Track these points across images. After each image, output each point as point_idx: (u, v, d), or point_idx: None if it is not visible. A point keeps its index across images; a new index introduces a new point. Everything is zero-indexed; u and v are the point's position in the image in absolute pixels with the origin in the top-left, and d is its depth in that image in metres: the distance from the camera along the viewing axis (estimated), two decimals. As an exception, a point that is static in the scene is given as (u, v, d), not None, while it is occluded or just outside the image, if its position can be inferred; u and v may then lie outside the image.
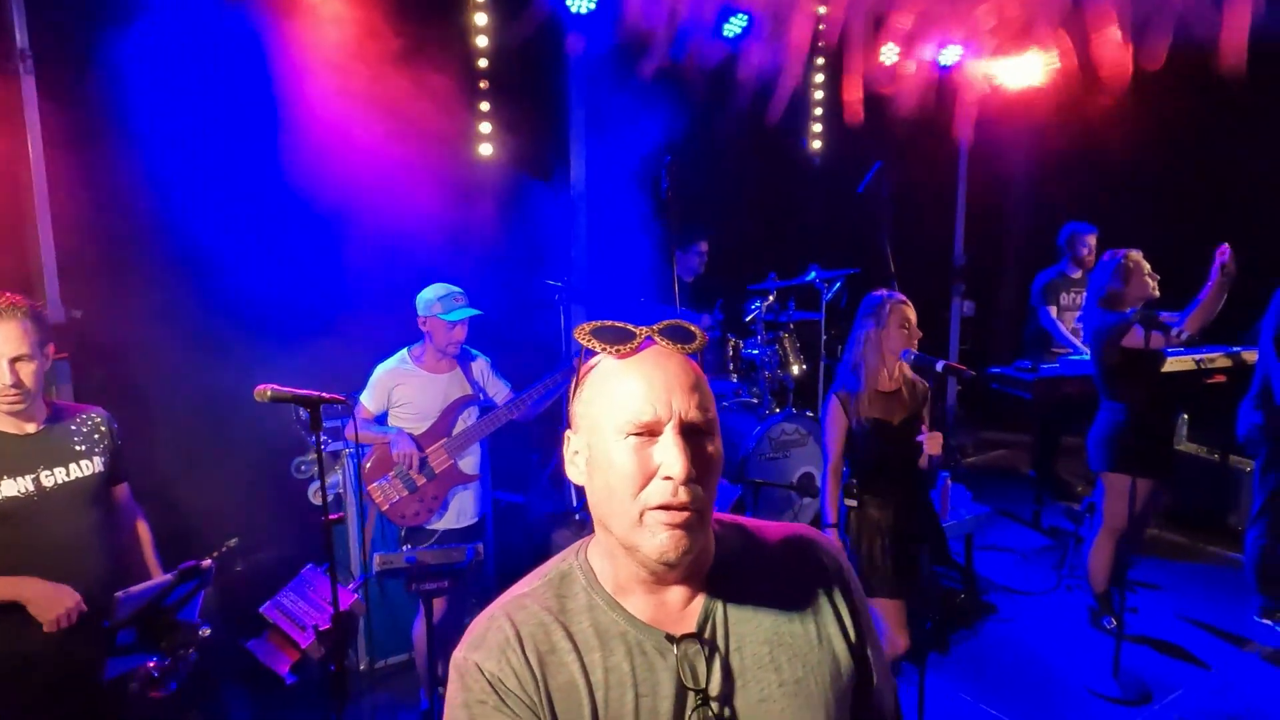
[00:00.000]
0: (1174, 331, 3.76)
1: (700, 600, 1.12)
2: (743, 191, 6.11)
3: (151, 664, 2.51)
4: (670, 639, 1.08)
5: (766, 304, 5.37)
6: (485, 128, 4.98)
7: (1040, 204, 7.30)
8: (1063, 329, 5.79)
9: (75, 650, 2.40)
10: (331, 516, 2.51)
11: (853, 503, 3.27)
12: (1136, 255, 4.05)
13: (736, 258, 5.75)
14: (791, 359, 5.44)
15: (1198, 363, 5.13)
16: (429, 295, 3.50)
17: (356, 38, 4.28)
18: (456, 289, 3.52)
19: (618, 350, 1.08)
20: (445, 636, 3.18)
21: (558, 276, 4.78)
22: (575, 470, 1.13)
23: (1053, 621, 4.50)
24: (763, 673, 1.11)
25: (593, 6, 4.91)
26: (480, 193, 4.91)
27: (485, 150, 4.99)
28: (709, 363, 5.43)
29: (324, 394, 2.54)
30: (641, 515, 1.03)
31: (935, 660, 4.09)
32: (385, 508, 3.52)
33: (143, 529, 2.76)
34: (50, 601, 2.34)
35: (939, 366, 3.25)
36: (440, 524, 3.60)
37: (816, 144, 6.54)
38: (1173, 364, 4.62)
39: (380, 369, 3.57)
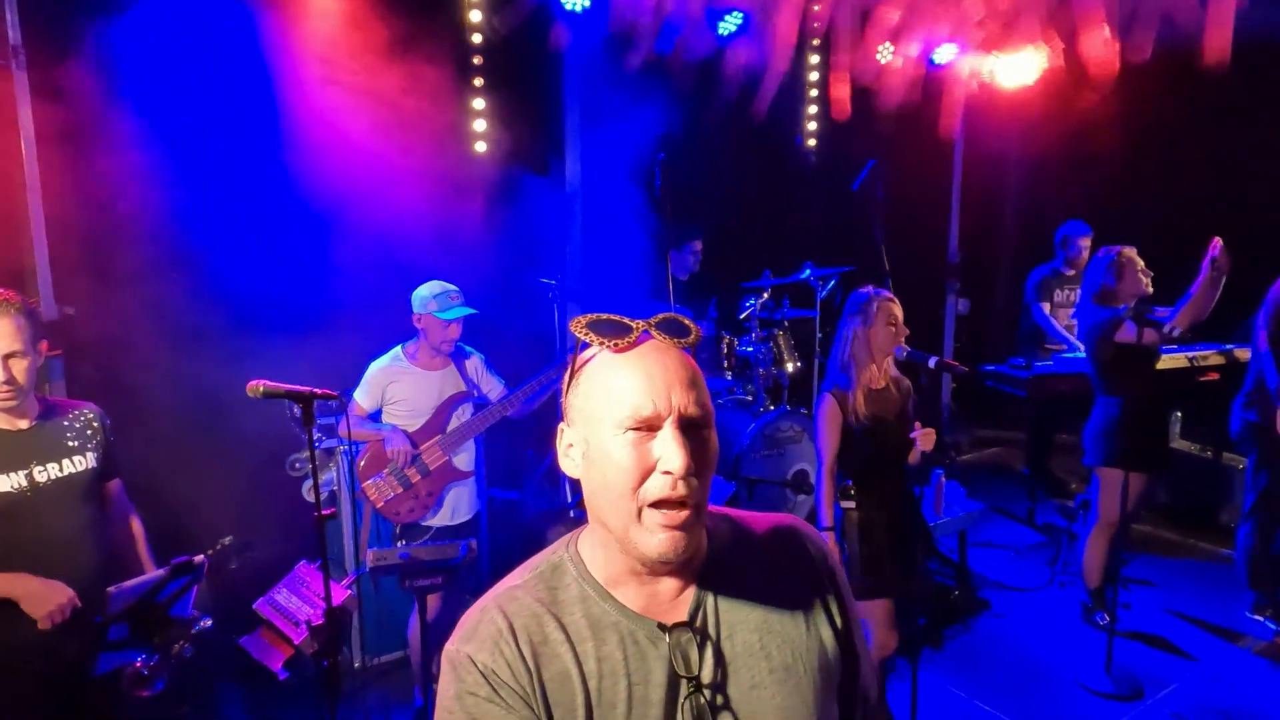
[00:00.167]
0: (1166, 327, 3.77)
1: (691, 590, 1.13)
2: (737, 189, 6.11)
3: (139, 662, 2.51)
4: (662, 628, 1.09)
5: (761, 301, 5.38)
6: (480, 125, 4.98)
7: (1035, 201, 7.33)
8: (1057, 326, 5.80)
9: (66, 645, 2.40)
10: (324, 512, 2.51)
11: (850, 504, 3.26)
12: (1130, 252, 4.07)
13: (731, 255, 5.76)
14: (786, 356, 5.45)
15: (1191, 360, 5.14)
16: (424, 293, 3.50)
17: (349, 34, 4.27)
18: (452, 287, 3.52)
19: (615, 344, 1.08)
20: (440, 634, 3.17)
21: (552, 273, 4.78)
22: (570, 463, 1.14)
23: (1046, 617, 4.52)
24: (753, 660, 1.12)
25: (587, 4, 4.91)
26: (474, 189, 4.91)
27: (480, 147, 4.99)
28: (704, 360, 5.43)
29: (316, 390, 2.54)
30: (640, 512, 1.04)
31: (929, 656, 4.10)
32: (380, 505, 3.52)
33: (135, 525, 2.76)
34: (43, 598, 2.34)
35: (932, 363, 3.25)
36: (435, 521, 3.60)
37: (811, 142, 6.55)
38: (1166, 361, 4.64)
39: (374, 366, 3.57)
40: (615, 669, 1.08)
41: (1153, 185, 6.03)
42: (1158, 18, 4.99)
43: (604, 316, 1.10)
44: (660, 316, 1.12)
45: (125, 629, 2.44)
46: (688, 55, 5.34)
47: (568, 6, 4.89)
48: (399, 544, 3.47)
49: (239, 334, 3.91)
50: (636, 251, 5.22)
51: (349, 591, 2.90)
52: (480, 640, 1.08)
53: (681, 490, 1.03)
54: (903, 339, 3.29)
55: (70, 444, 2.52)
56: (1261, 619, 4.29)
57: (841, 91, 5.67)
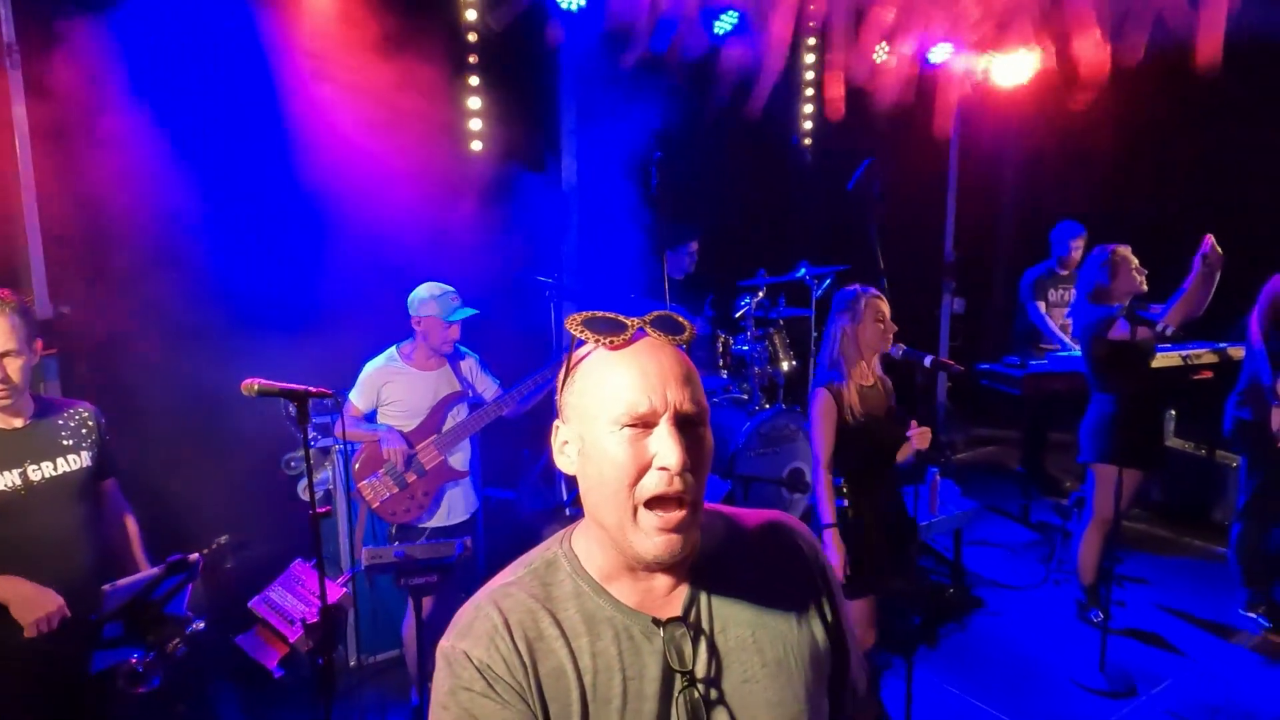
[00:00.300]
0: (1158, 325, 3.78)
1: (685, 585, 1.14)
2: (733, 188, 6.12)
3: (134, 659, 2.51)
4: (657, 623, 1.10)
5: (756, 300, 5.39)
6: (475, 124, 4.98)
7: (1031, 200, 7.34)
8: (1051, 325, 5.82)
9: (61, 644, 2.39)
10: (319, 511, 2.51)
11: (843, 503, 3.27)
12: (1124, 250, 4.08)
13: (727, 254, 5.77)
14: (781, 355, 5.46)
15: (1184, 359, 5.16)
16: (424, 295, 3.49)
17: (345, 33, 4.27)
18: (450, 288, 3.52)
19: (610, 341, 1.09)
20: (435, 633, 3.16)
21: (548, 272, 4.78)
22: (566, 460, 1.14)
23: (1040, 615, 4.53)
24: (746, 654, 1.13)
25: (583, 3, 4.91)
26: (470, 188, 4.91)
27: (476, 146, 5.00)
28: (699, 359, 5.43)
29: (311, 388, 2.54)
30: (636, 510, 1.05)
31: (923, 654, 4.12)
32: (376, 505, 3.52)
33: (130, 524, 2.76)
34: (32, 604, 2.33)
35: (928, 362, 3.26)
36: (431, 521, 3.60)
37: (807, 141, 6.56)
38: (1160, 360, 4.65)
39: (369, 367, 3.57)
40: (610, 664, 1.08)
41: (1148, 184, 6.05)
42: (1150, 19, 5.01)
43: (599, 314, 1.11)
44: (655, 314, 1.13)
45: (120, 627, 2.44)
46: (684, 54, 5.35)
47: (563, 6, 4.89)
48: (394, 543, 3.47)
49: (234, 333, 3.91)
50: (632, 251, 5.22)
51: (344, 590, 2.90)
52: (476, 636, 1.08)
53: (678, 486, 1.03)
54: (891, 335, 3.30)
55: (65, 443, 2.52)
56: (1254, 616, 4.31)
57: (836, 90, 5.69)
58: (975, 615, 4.54)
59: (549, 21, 4.94)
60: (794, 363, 5.50)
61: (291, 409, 2.67)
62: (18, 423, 2.45)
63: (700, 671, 1.11)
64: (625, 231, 5.23)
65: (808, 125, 6.54)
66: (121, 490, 2.76)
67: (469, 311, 3.52)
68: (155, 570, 2.53)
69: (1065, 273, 5.83)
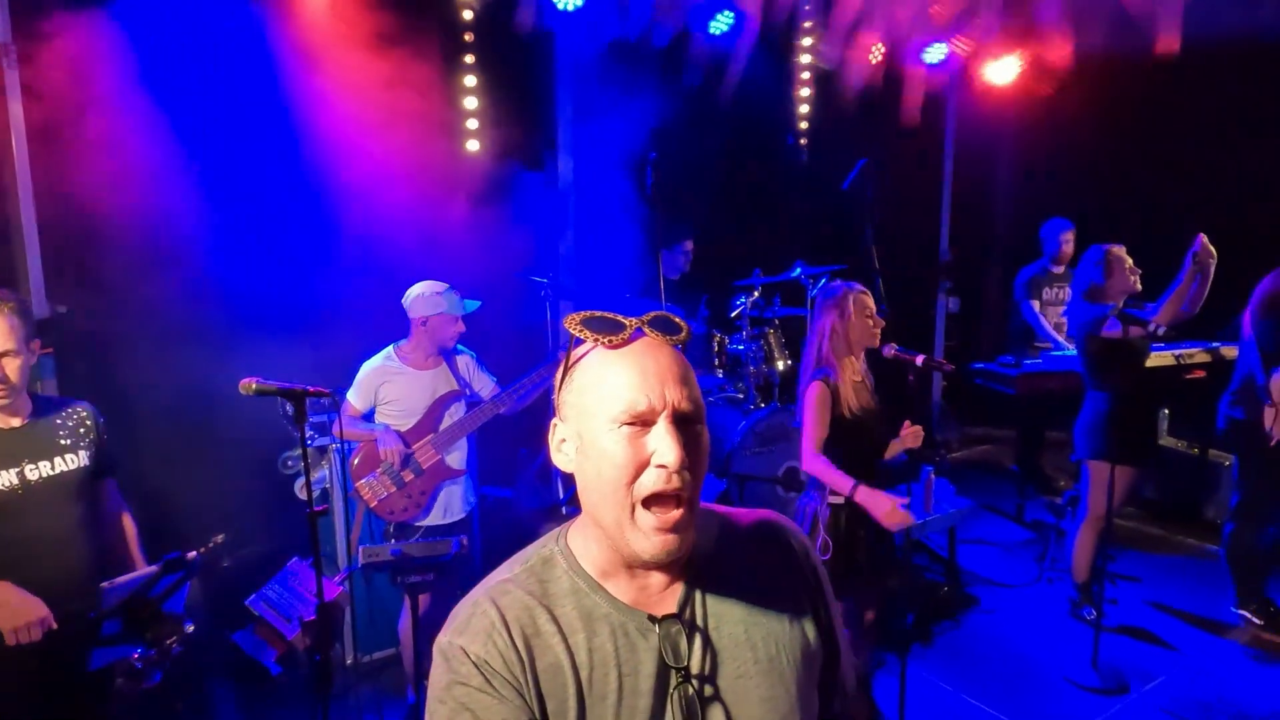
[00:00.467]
0: (1150, 324, 3.80)
1: (680, 583, 1.15)
2: (728, 188, 6.13)
3: (135, 655, 2.52)
4: (652, 620, 1.12)
5: (752, 300, 5.40)
6: (472, 123, 4.99)
7: (1026, 200, 7.35)
8: (1045, 324, 5.84)
9: (60, 642, 2.40)
10: (316, 509, 2.53)
11: (839, 499, 3.28)
12: (1119, 250, 4.11)
13: (722, 253, 5.78)
14: (776, 354, 5.47)
15: (1177, 358, 5.18)
16: (426, 292, 3.49)
17: (340, 32, 4.27)
18: (447, 285, 3.53)
19: (609, 340, 1.10)
20: (432, 631, 3.18)
21: (544, 271, 4.80)
22: (563, 458, 1.16)
23: (1033, 613, 4.56)
24: (739, 651, 1.15)
25: (580, 3, 4.92)
26: (467, 187, 4.92)
27: (472, 145, 5.01)
28: (695, 358, 5.45)
29: (309, 388, 2.55)
30: (634, 508, 1.06)
31: (917, 651, 4.14)
32: (373, 504, 3.53)
33: (128, 523, 2.77)
34: (14, 613, 2.32)
35: (920, 361, 3.27)
36: (428, 520, 3.61)
37: (803, 140, 6.57)
38: (1153, 359, 4.68)
39: (366, 367, 3.57)
40: (606, 660, 1.10)
41: (1144, 184, 6.07)
42: (1122, 16, 5.05)
43: (598, 313, 1.13)
44: (653, 314, 1.15)
45: (119, 624, 2.45)
46: (679, 54, 5.37)
47: (560, 6, 4.90)
48: (391, 540, 3.48)
49: (231, 332, 3.91)
50: (628, 249, 5.24)
51: (341, 588, 2.92)
52: (473, 632, 1.09)
53: (676, 483, 1.05)
54: (879, 331, 3.31)
55: (63, 442, 2.52)
56: (1246, 614, 4.34)
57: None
58: (969, 613, 4.56)
59: (546, 22, 4.95)
60: (789, 362, 5.52)
61: (289, 408, 2.68)
62: (15, 422, 2.45)
63: (695, 668, 1.12)
64: (621, 230, 5.24)
65: (803, 125, 6.55)
66: (119, 489, 2.77)
67: (475, 304, 3.57)
68: (153, 568, 2.54)
69: (1059, 271, 5.86)
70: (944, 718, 3.69)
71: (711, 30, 5.51)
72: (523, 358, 4.32)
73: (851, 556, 3.26)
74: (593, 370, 1.11)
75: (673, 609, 1.13)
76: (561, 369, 1.16)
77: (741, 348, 5.39)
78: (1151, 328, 3.80)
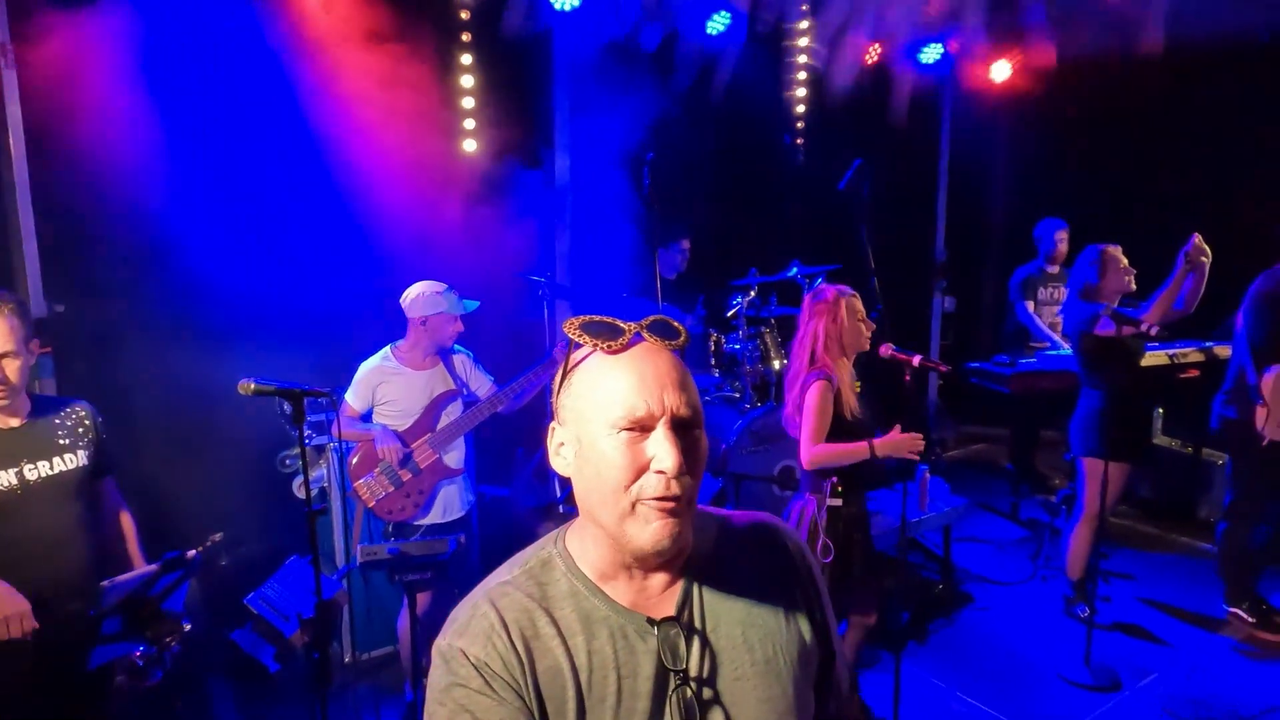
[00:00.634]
0: (1142, 324, 3.82)
1: (678, 586, 1.16)
2: (725, 187, 6.14)
3: (137, 653, 2.53)
4: (651, 622, 1.12)
5: (748, 299, 5.41)
6: (469, 123, 5.00)
7: (1022, 200, 7.37)
8: (1040, 324, 5.86)
9: (60, 641, 2.41)
10: (314, 508, 2.54)
11: (838, 501, 3.30)
12: (1115, 250, 4.13)
13: (719, 253, 5.79)
14: (773, 354, 5.49)
15: (1171, 358, 5.21)
16: (425, 292, 3.50)
17: (338, 32, 4.28)
18: (446, 284, 3.54)
19: (608, 345, 1.11)
20: (430, 629, 3.21)
21: (541, 270, 4.81)
22: (562, 462, 1.16)
23: (1027, 611, 4.58)
24: (737, 653, 1.16)
25: (576, 3, 4.93)
26: (463, 187, 4.92)
27: (469, 145, 5.01)
28: (691, 358, 5.46)
29: (306, 387, 2.56)
30: (634, 506, 1.07)
31: (912, 649, 4.17)
32: (371, 504, 3.54)
33: (127, 522, 2.78)
34: None
35: (916, 361, 3.29)
36: (426, 519, 3.62)
37: (799, 140, 6.59)
38: (1148, 359, 4.70)
39: (364, 368, 3.58)
40: (605, 662, 1.10)
41: (1140, 184, 6.10)
42: (1114, 16, 5.08)
43: (597, 318, 1.13)
44: (651, 319, 1.15)
45: (119, 622, 2.47)
46: (676, 54, 5.38)
47: (557, 6, 4.91)
48: (389, 539, 3.50)
49: (230, 332, 3.92)
50: (625, 249, 5.25)
51: (339, 586, 2.93)
52: (473, 634, 1.10)
53: (675, 489, 1.06)
54: (869, 333, 3.32)
55: (62, 442, 2.53)
56: (1238, 611, 4.37)
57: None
58: (963, 611, 4.59)
59: (543, 22, 4.96)
60: (785, 361, 5.52)
61: (287, 408, 2.70)
62: (14, 422, 2.46)
63: (693, 670, 1.13)
64: (618, 229, 5.25)
65: (799, 125, 6.56)
66: (118, 488, 2.78)
67: (474, 304, 3.58)
68: (153, 567, 2.55)
69: (1055, 270, 5.88)
70: (938, 715, 3.71)
71: (708, 30, 5.51)
72: (520, 357, 4.33)
73: (849, 559, 3.28)
74: (592, 375, 1.12)
75: (671, 611, 1.14)
76: (560, 373, 1.17)
77: (738, 347, 5.40)
78: (1144, 327, 3.82)
